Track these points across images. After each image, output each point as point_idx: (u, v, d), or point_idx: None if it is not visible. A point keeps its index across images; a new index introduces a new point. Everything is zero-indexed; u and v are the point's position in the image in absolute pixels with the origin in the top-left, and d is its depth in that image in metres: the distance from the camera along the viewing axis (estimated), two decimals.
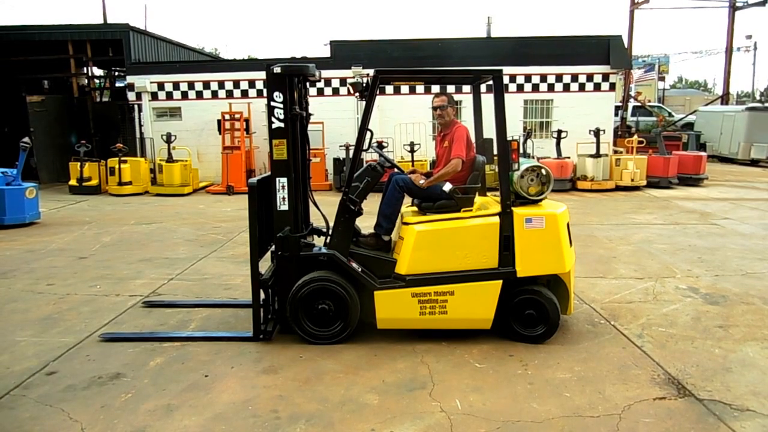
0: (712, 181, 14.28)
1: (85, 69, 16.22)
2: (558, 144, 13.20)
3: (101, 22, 22.79)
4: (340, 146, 13.21)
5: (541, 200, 4.43)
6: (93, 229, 9.01)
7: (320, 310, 4.29)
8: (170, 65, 15.53)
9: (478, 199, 4.72)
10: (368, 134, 4.39)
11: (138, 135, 14.47)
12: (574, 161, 13.48)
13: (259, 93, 14.16)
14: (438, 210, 4.43)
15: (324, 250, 4.42)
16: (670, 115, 23.33)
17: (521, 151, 11.46)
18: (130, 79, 14.63)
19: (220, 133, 13.46)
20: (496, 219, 4.24)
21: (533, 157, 12.56)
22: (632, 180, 13.04)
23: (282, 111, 4.23)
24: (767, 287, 5.70)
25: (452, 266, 4.25)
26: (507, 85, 13.94)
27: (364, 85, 4.45)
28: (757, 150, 18.30)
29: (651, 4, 20.52)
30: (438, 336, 4.39)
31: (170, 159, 12.96)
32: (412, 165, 11.02)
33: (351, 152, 12.29)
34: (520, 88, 14.59)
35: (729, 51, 22.33)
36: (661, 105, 26.52)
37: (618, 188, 13.07)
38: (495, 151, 4.58)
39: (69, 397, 3.56)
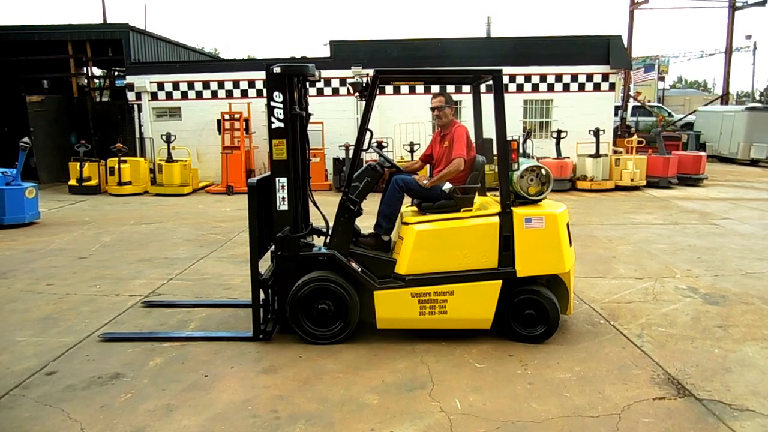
0: (712, 181, 14.28)
1: (84, 69, 16.22)
2: (558, 144, 13.21)
3: (101, 22, 22.79)
4: (340, 146, 13.22)
5: (540, 200, 4.44)
6: (93, 229, 9.01)
7: (320, 310, 4.29)
8: (170, 65, 15.53)
9: (478, 199, 4.72)
10: (368, 134, 4.39)
11: (138, 135, 14.47)
12: (574, 161, 13.48)
13: (259, 93, 14.16)
14: (438, 210, 4.43)
15: (324, 250, 4.42)
16: (669, 115, 23.33)
17: (521, 151, 11.48)
18: (129, 79, 14.63)
19: (219, 133, 13.46)
20: (496, 219, 4.24)
21: (533, 157, 12.56)
22: (632, 180, 13.05)
23: (282, 111, 4.23)
24: (767, 287, 5.70)
25: (452, 266, 4.25)
26: (507, 85, 13.94)
27: (364, 85, 4.45)
28: (757, 150, 18.32)
29: (651, 4, 20.58)
30: (438, 336, 4.39)
31: (170, 159, 12.96)
32: None
33: (351, 152, 12.29)
34: (519, 88, 14.59)
35: (729, 51, 22.34)
36: (660, 105, 26.52)
37: (618, 188, 13.08)
38: (495, 151, 4.58)
39: (69, 397, 3.56)
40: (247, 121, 13.54)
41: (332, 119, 13.79)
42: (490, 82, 4.40)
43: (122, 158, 12.88)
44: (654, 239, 7.92)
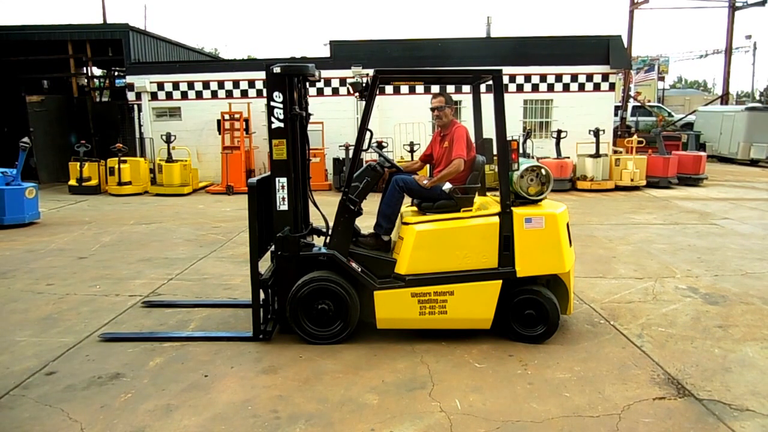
0: (712, 181, 14.28)
1: (84, 69, 16.23)
2: (558, 144, 13.21)
3: (101, 22, 22.79)
4: (340, 146, 13.22)
5: (540, 200, 4.44)
6: (92, 229, 9.01)
7: (320, 310, 4.29)
8: (170, 65, 15.53)
9: (478, 199, 4.72)
10: (368, 134, 4.39)
11: (138, 135, 14.48)
12: (574, 161, 13.48)
13: (259, 93, 14.16)
14: (438, 210, 4.43)
15: (324, 250, 4.42)
16: (669, 115, 23.32)
17: (521, 151, 11.48)
18: (129, 79, 14.63)
19: (219, 133, 13.47)
20: (496, 219, 4.24)
21: (533, 157, 12.57)
22: (632, 180, 13.05)
23: (282, 111, 4.23)
24: (767, 287, 5.70)
25: (452, 266, 4.25)
26: (507, 85, 13.94)
27: (364, 85, 4.45)
28: (757, 150, 18.31)
29: (651, 4, 20.58)
30: (438, 336, 4.39)
31: (170, 159, 12.96)
32: None
33: (351, 152, 12.29)
34: (519, 88, 14.59)
35: (729, 51, 22.34)
36: (660, 105, 26.51)
37: (617, 188, 13.08)
38: (495, 151, 4.58)
39: (68, 397, 3.56)
40: (247, 121, 13.54)
41: (332, 119, 13.79)
42: (490, 82, 4.40)
43: (122, 158, 12.88)
44: (654, 239, 7.92)
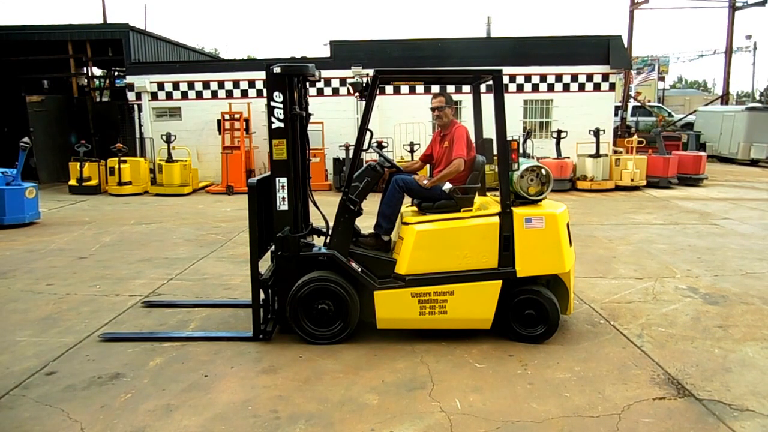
0: (712, 181, 14.28)
1: (84, 69, 16.23)
2: (558, 144, 13.21)
3: (101, 22, 22.79)
4: (340, 146, 13.22)
5: (540, 200, 4.44)
6: (93, 229, 9.01)
7: (320, 310, 4.29)
8: (170, 65, 15.54)
9: (478, 199, 4.72)
10: (368, 134, 4.39)
11: (138, 135, 14.48)
12: (574, 161, 13.48)
13: (259, 93, 14.17)
14: (438, 210, 4.43)
15: (324, 250, 4.43)
16: (669, 115, 23.32)
17: (521, 151, 11.48)
18: (129, 79, 14.63)
19: (219, 133, 13.47)
20: (496, 219, 4.24)
21: (533, 157, 12.56)
22: (632, 180, 13.05)
23: (282, 111, 4.24)
24: (767, 287, 5.70)
25: (452, 266, 4.25)
26: (507, 85, 13.94)
27: (364, 85, 4.46)
28: (757, 150, 18.32)
29: (651, 4, 20.55)
30: (438, 336, 4.39)
31: (170, 159, 12.96)
32: None
33: (351, 152, 12.29)
34: (520, 88, 14.59)
35: (729, 51, 22.33)
36: (660, 105, 26.49)
37: (618, 188, 13.08)
38: (495, 151, 4.58)
39: (69, 397, 3.56)
40: (247, 121, 13.55)
41: (332, 119, 13.79)
42: (490, 82, 4.40)
43: (122, 158, 12.88)
44: (654, 239, 7.92)
